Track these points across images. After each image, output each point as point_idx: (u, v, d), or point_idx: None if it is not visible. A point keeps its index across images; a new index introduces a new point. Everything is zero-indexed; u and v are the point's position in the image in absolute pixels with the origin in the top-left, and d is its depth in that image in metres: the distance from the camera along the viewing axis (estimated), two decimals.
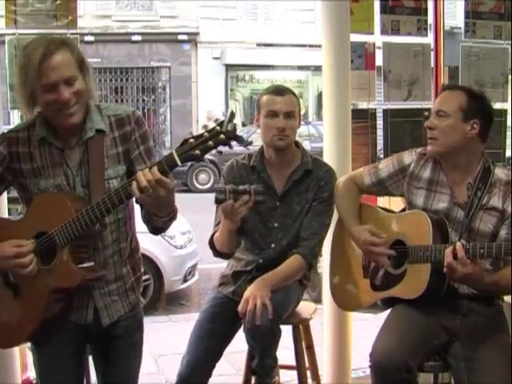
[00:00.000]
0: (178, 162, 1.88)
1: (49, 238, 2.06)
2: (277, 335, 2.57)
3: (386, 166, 2.68)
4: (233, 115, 1.92)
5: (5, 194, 2.85)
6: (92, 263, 2.11)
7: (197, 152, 1.87)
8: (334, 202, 2.76)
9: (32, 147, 2.11)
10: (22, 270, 2.04)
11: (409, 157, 2.63)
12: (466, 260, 2.25)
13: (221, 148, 1.91)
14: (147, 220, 2.16)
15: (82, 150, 2.12)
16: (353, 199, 2.71)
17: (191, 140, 1.89)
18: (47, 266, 2.08)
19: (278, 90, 2.74)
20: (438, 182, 2.55)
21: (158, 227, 2.17)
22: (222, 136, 1.87)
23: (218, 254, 2.72)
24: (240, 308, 2.51)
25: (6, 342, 2.29)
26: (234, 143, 1.94)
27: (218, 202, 2.41)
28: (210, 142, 1.87)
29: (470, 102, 2.48)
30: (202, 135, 1.89)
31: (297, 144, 2.83)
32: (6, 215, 2.88)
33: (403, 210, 2.71)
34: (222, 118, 1.93)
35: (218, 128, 1.88)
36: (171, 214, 2.11)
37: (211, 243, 2.72)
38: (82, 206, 2.05)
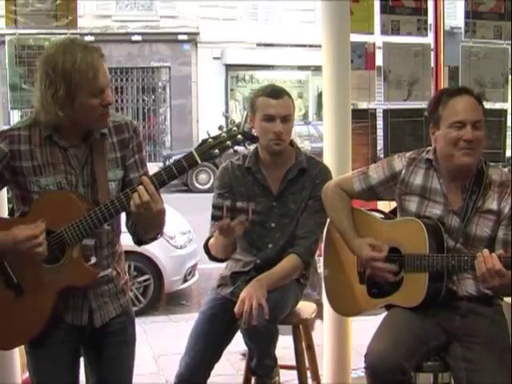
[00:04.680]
0: (199, 161, 2.02)
1: (59, 237, 2.07)
2: (274, 335, 2.57)
3: (375, 172, 2.62)
4: (248, 116, 2.09)
5: (5, 194, 2.84)
6: (95, 259, 2.13)
7: (216, 151, 2.02)
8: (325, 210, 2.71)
9: (33, 145, 2.11)
10: (37, 249, 2.02)
11: (399, 163, 2.57)
12: (503, 271, 2.22)
13: (236, 147, 2.06)
14: (133, 231, 2.23)
15: (87, 151, 2.15)
16: (346, 209, 2.64)
17: (210, 140, 2.03)
18: (53, 264, 2.08)
19: (275, 93, 2.71)
20: (431, 190, 2.51)
21: (142, 240, 2.25)
22: (239, 136, 2.02)
23: (212, 258, 2.74)
24: (236, 309, 2.51)
25: (10, 343, 2.29)
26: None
27: (214, 218, 2.38)
28: (228, 142, 2.02)
29: (483, 108, 2.48)
30: (220, 135, 2.03)
31: (291, 143, 2.82)
32: (5, 215, 2.87)
33: (394, 209, 2.69)
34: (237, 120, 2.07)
35: (235, 129, 2.03)
36: (157, 235, 2.23)
37: (206, 248, 2.72)
38: (87, 205, 2.09)
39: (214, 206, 2.36)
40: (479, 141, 2.42)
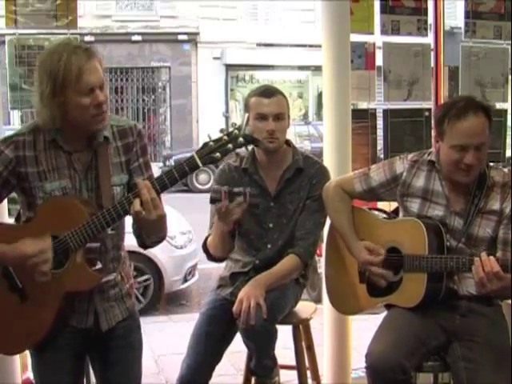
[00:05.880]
0: (200, 164, 2.00)
1: (62, 242, 2.06)
2: (272, 335, 2.57)
3: (377, 174, 2.62)
4: (249, 119, 2.08)
5: None
6: (101, 265, 2.13)
7: (217, 154, 2.00)
8: (325, 209, 2.71)
9: (37, 151, 2.11)
10: (43, 266, 2.02)
11: (401, 165, 2.58)
12: (502, 274, 2.22)
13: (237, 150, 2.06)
14: (137, 235, 2.22)
15: (91, 155, 2.15)
16: (347, 210, 2.65)
17: (211, 143, 2.01)
18: (58, 269, 2.08)
19: (267, 92, 2.72)
20: (433, 192, 2.51)
21: (146, 244, 2.24)
22: (240, 139, 2.01)
23: (211, 257, 2.74)
24: (235, 308, 2.52)
25: (14, 348, 2.27)
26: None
27: (212, 201, 2.44)
28: (230, 145, 2.01)
29: (490, 124, 2.41)
30: (221, 139, 2.02)
31: (287, 142, 2.81)
32: (5, 215, 2.87)
33: (396, 209, 2.69)
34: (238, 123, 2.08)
35: (236, 132, 2.01)
36: (161, 239, 2.23)
37: (204, 247, 2.72)
38: (91, 209, 2.08)
39: (213, 190, 2.43)
40: (480, 161, 2.40)
